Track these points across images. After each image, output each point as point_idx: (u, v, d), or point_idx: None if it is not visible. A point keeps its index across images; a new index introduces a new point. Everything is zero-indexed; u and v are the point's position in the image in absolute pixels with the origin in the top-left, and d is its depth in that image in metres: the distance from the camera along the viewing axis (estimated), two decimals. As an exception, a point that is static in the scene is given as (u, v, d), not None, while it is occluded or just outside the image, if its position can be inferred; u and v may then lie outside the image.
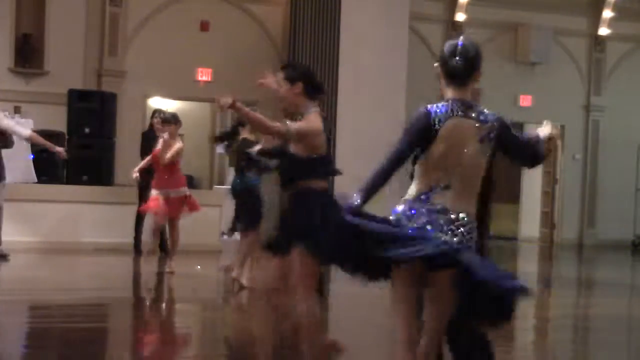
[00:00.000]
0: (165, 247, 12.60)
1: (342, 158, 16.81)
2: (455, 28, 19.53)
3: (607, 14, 20.55)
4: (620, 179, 20.28)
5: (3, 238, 12.19)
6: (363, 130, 16.62)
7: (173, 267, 11.18)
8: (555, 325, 8.93)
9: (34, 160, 14.16)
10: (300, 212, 5.63)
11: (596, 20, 20.66)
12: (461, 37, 4.42)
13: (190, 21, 17.44)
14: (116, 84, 16.42)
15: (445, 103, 4.32)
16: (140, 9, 17.01)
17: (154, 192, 11.00)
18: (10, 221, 12.38)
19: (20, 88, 16.12)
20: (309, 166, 5.71)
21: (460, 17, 19.45)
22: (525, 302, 4.40)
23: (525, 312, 8.65)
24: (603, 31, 20.63)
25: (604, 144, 20.21)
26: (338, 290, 11.68)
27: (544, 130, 4.53)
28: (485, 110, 4.36)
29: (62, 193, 13.85)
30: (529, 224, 20.54)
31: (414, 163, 4.53)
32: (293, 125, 5.56)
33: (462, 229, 4.27)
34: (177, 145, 10.97)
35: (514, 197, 20.38)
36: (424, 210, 4.32)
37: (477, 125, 4.30)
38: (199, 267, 12.46)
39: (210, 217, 14.27)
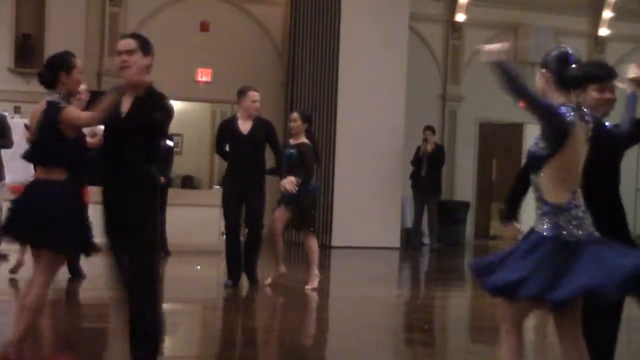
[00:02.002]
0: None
1: (342, 158, 16.83)
2: (455, 28, 19.54)
3: (607, 14, 20.56)
4: (620, 178, 20.26)
5: (3, 238, 12.18)
6: (363, 130, 16.62)
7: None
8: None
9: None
10: (40, 204, 5.66)
11: (596, 21, 20.67)
12: (566, 47, 4.72)
13: (190, 21, 17.44)
14: (116, 84, 16.43)
15: (569, 107, 4.56)
16: (140, 9, 17.01)
17: None
18: (10, 221, 12.35)
19: (20, 88, 16.12)
20: (53, 148, 5.69)
21: (460, 17, 19.46)
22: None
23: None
24: (603, 31, 20.64)
25: (604, 144, 20.20)
26: (342, 292, 11.67)
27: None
28: (585, 109, 4.66)
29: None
30: (529, 223, 20.51)
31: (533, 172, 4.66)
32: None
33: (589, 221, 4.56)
34: None
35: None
36: (581, 214, 4.54)
37: (587, 127, 4.59)
38: (198, 267, 12.47)
39: (210, 217, 14.27)
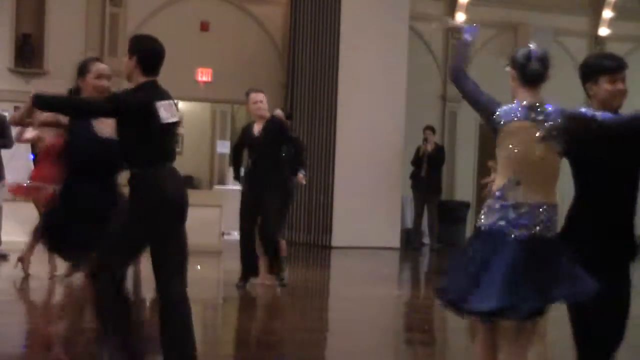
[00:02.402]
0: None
1: (342, 158, 16.82)
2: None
3: (607, 14, 20.54)
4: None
5: (3, 238, 12.20)
6: (363, 129, 16.61)
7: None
8: (555, 325, 8.90)
9: (34, 161, 14.13)
10: None
11: (596, 20, 20.66)
12: (532, 45, 4.87)
13: (190, 21, 17.42)
14: (116, 84, 16.38)
15: (513, 105, 4.75)
16: (140, 9, 17.00)
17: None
18: (10, 221, 12.37)
19: (20, 88, 16.10)
20: None
21: (460, 17, 19.43)
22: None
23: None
24: (603, 31, 20.62)
25: (604, 144, 20.17)
26: (342, 292, 11.68)
27: None
28: (550, 109, 4.73)
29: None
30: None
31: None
32: None
33: (538, 220, 4.65)
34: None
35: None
36: (497, 206, 4.68)
37: (536, 126, 4.69)
38: (198, 267, 12.46)
39: (210, 217, 14.27)
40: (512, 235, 4.60)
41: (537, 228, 4.63)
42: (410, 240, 17.42)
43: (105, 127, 5.91)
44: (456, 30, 5.03)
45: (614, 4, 20.40)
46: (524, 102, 4.73)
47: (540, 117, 4.70)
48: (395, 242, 16.85)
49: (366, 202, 16.48)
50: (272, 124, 10.43)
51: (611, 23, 20.55)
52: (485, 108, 4.78)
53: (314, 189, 16.64)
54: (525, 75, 4.75)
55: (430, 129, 17.47)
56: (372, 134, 16.65)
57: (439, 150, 17.53)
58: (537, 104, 4.74)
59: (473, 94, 4.83)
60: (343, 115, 16.72)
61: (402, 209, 17.41)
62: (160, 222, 5.39)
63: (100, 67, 6.08)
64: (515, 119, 4.70)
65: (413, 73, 17.24)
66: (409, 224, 17.67)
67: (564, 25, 20.00)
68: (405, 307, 10.65)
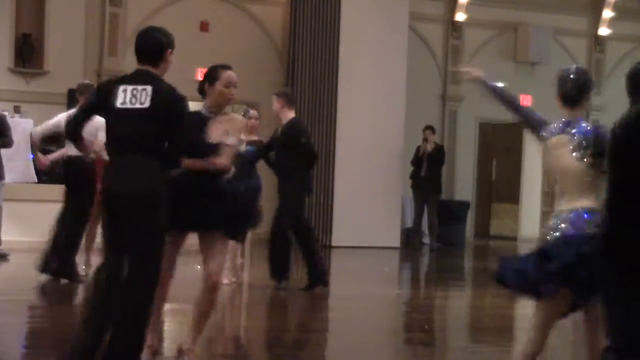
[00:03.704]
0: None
1: (342, 158, 16.83)
2: (455, 28, 19.54)
3: (607, 14, 20.55)
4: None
5: (3, 238, 12.19)
6: (363, 130, 16.62)
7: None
8: (555, 325, 8.90)
9: (34, 160, 14.13)
10: None
11: (596, 20, 20.66)
12: (573, 66, 5.32)
13: (190, 21, 17.42)
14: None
15: (561, 122, 5.18)
16: (140, 9, 17.00)
17: None
18: (10, 221, 12.37)
19: (20, 88, 16.12)
20: None
21: (460, 17, 19.45)
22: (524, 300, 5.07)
23: (525, 312, 8.65)
24: (603, 31, 20.63)
25: (604, 143, 20.13)
26: (342, 292, 11.68)
27: None
28: (584, 124, 5.12)
29: (62, 193, 13.80)
30: (529, 224, 20.48)
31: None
32: None
33: (585, 223, 4.93)
34: None
35: (514, 197, 20.37)
36: (560, 218, 5.00)
37: (569, 138, 5.08)
38: (198, 267, 12.46)
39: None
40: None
41: (591, 229, 4.86)
42: (410, 240, 17.42)
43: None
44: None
45: (614, 4, 20.40)
46: (563, 119, 5.16)
47: (573, 131, 5.08)
48: (395, 242, 16.85)
49: (366, 202, 16.49)
50: (282, 128, 10.58)
51: (611, 23, 20.55)
52: (537, 122, 5.30)
53: (314, 189, 16.62)
54: (562, 96, 5.19)
55: (430, 128, 17.48)
56: (372, 133, 16.66)
57: (439, 150, 17.53)
58: (573, 120, 5.14)
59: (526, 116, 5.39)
60: (343, 115, 16.73)
61: (402, 209, 17.42)
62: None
63: (231, 75, 6.13)
64: (555, 133, 5.13)
65: (413, 73, 17.25)
66: (409, 223, 17.67)
67: (564, 25, 20.01)
68: (405, 307, 10.65)
